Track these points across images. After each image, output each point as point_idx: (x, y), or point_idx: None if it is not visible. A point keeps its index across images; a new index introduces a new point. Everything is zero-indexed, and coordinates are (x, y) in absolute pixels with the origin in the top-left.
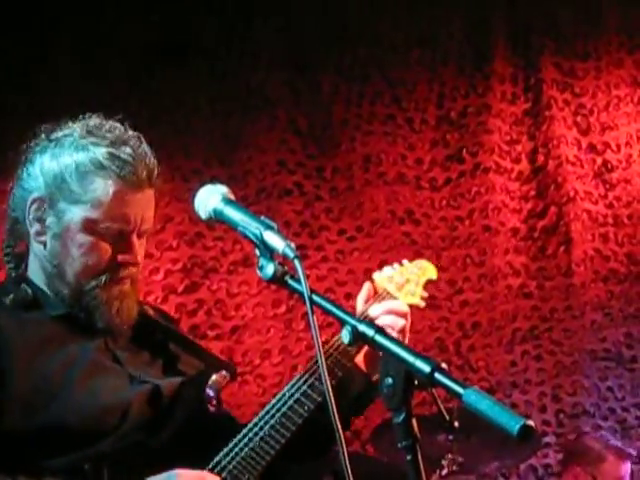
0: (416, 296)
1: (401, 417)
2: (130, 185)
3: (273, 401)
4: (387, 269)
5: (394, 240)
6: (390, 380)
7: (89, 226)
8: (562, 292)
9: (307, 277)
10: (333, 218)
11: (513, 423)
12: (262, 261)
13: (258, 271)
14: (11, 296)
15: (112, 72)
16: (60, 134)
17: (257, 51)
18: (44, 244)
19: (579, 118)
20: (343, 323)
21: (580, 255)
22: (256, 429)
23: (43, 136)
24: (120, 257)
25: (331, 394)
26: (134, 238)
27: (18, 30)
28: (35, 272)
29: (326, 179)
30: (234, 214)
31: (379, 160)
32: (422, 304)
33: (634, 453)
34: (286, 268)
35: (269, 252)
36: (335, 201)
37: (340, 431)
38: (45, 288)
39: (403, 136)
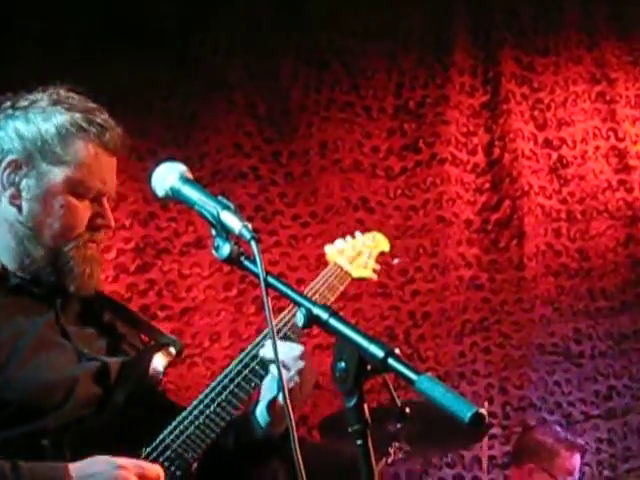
0: (368, 269)
1: (353, 401)
2: (107, 149)
3: (219, 377)
4: (339, 242)
5: (348, 227)
6: (343, 364)
7: (71, 186)
8: (513, 285)
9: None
10: (287, 203)
11: (465, 410)
12: (218, 241)
13: (214, 251)
14: None
15: (70, 51)
16: (26, 102)
17: (217, 34)
18: (19, 207)
19: (536, 113)
20: (298, 305)
21: (532, 249)
22: (201, 407)
23: (8, 104)
24: (97, 220)
25: (284, 379)
26: (106, 202)
27: None
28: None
29: (282, 164)
30: (191, 193)
31: (335, 147)
32: (374, 277)
33: (583, 443)
34: (242, 249)
35: (225, 232)
36: (290, 186)
37: (291, 415)
38: (7, 256)
39: (360, 124)
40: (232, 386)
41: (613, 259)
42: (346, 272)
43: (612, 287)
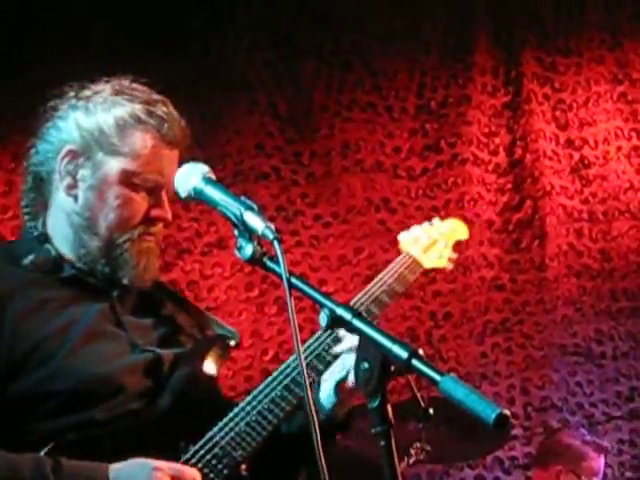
0: (443, 259)
1: (376, 403)
2: (166, 141)
3: (275, 373)
4: (415, 228)
5: (369, 227)
6: (366, 365)
7: (126, 178)
8: (535, 286)
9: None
10: (309, 203)
11: (489, 412)
12: (241, 241)
13: (236, 251)
14: (31, 257)
15: (93, 49)
16: (89, 92)
17: (239, 33)
18: (75, 197)
19: (558, 113)
20: (321, 306)
21: (554, 250)
22: (254, 402)
23: (72, 94)
24: (153, 212)
25: (306, 377)
26: (164, 194)
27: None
28: (57, 229)
29: (303, 164)
30: (214, 193)
31: (357, 147)
32: (449, 267)
33: (609, 446)
34: (264, 249)
35: (248, 233)
36: (312, 187)
37: (314, 415)
38: (65, 246)
39: (382, 124)
40: (287, 381)
41: (635, 260)
42: (417, 262)
43: (634, 288)
